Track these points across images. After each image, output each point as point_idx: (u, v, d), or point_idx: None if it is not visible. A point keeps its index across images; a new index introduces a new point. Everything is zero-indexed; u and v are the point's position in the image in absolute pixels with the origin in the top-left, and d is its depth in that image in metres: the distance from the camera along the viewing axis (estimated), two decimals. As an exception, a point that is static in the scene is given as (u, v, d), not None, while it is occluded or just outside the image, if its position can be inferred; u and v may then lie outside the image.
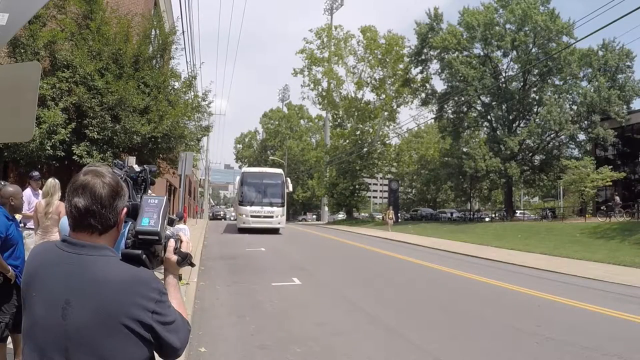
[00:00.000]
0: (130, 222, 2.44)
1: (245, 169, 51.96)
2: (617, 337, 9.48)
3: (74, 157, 13.79)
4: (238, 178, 46.24)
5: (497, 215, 64.14)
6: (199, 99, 21.43)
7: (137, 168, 3.94)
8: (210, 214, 66.23)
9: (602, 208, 43.40)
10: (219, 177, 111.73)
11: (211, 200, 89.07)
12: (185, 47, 44.20)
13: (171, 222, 2.71)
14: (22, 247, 6.21)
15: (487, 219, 61.32)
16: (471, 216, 64.39)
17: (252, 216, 38.92)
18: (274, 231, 40.04)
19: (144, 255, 2.31)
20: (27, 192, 9.74)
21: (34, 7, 3.89)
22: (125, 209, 2.34)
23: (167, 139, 16.90)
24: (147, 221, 2.39)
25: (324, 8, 64.91)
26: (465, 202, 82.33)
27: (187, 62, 30.63)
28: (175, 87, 19.24)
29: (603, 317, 11.25)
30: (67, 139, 13.67)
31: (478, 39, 54.49)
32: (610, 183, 42.86)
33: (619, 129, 48.77)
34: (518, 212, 66.67)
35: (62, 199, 8.89)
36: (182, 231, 12.31)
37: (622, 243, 26.96)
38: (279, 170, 45.01)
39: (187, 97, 20.16)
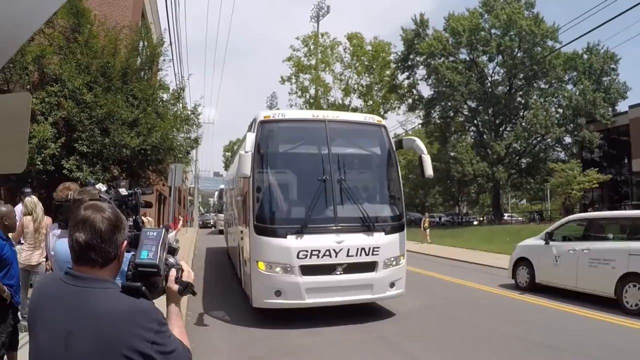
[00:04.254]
0: (132, 253, 2.49)
1: (269, 113, 11.72)
2: None
3: (64, 171, 13.75)
4: (247, 141, 10.69)
5: (485, 218, 64.43)
6: (188, 112, 21.37)
7: (124, 192, 4.08)
8: (200, 222, 65.80)
9: (589, 210, 43.70)
10: (208, 185, 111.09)
11: (201, 208, 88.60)
12: (173, 59, 39.70)
13: (172, 252, 2.73)
14: (17, 267, 6.16)
15: (475, 223, 61.63)
16: (459, 220, 64.59)
17: (304, 271, 10.26)
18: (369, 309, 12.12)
19: (143, 287, 2.31)
20: (19, 207, 9.74)
21: (28, 31, 3.88)
22: (125, 242, 2.42)
23: (157, 151, 16.82)
24: (146, 254, 2.43)
25: (310, 15, 64.76)
26: (453, 206, 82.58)
27: (175, 73, 28.28)
28: (164, 99, 19.18)
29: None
30: (56, 153, 13.63)
31: (464, 45, 54.91)
32: (597, 185, 43.13)
33: (604, 131, 49.16)
34: (506, 215, 67.09)
35: (47, 213, 9.40)
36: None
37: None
38: (372, 117, 12.55)
39: (175, 109, 20.09)
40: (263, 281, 10.30)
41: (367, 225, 10.62)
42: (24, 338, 6.09)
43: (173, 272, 2.56)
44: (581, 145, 51.43)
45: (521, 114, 55.88)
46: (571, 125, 50.94)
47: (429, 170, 11.38)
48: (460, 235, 42.07)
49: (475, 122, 58.29)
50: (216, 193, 51.61)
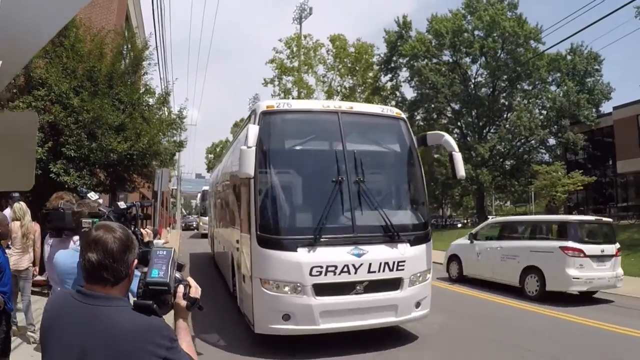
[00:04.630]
0: (140, 272, 2.59)
1: (272, 103, 10.12)
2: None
3: (51, 175, 13.59)
4: (249, 134, 8.56)
5: (469, 221, 64.66)
6: (174, 116, 21.28)
7: (122, 205, 4.24)
8: (183, 224, 65.68)
9: (573, 213, 43.95)
10: (190, 187, 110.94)
11: (183, 210, 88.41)
12: (158, 62, 38.44)
13: (180, 268, 2.80)
14: (9, 273, 6.26)
15: (459, 225, 61.82)
16: (443, 222, 64.83)
17: (318, 291, 8.71)
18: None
19: (155, 305, 2.39)
20: (8, 212, 9.72)
21: (29, 54, 3.87)
22: (135, 261, 2.49)
23: (143, 156, 16.77)
24: (157, 273, 2.54)
25: (293, 17, 64.48)
26: (436, 209, 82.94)
27: (160, 78, 28.20)
28: (150, 103, 19.07)
29: None
30: (44, 158, 13.43)
31: (447, 46, 54.81)
32: (582, 187, 43.33)
33: (588, 133, 49.27)
34: (490, 217, 67.37)
35: (34, 219, 10.07)
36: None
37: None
38: (390, 110, 10.89)
39: (160, 113, 20.00)
40: (268, 303, 8.70)
41: (390, 235, 9.09)
42: (14, 342, 6.09)
43: (181, 289, 2.66)
44: (565, 147, 51.58)
45: (505, 115, 56.00)
46: (555, 127, 51.17)
47: (461, 171, 9.94)
48: (439, 237, 42.24)
49: (459, 124, 58.32)
50: (199, 195, 51.00)
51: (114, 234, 2.40)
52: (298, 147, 9.86)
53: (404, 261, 9.04)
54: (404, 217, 9.96)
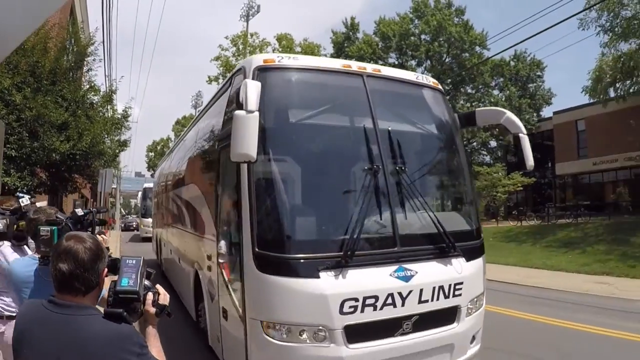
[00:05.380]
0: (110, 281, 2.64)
1: (271, 56, 6.50)
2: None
3: (-11, 177, 13.02)
4: (249, 93, 5.23)
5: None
6: (119, 115, 20.77)
7: (80, 212, 4.34)
8: (123, 225, 64.29)
9: (513, 212, 45.03)
10: (130, 186, 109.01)
11: (122, 210, 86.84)
12: (104, 58, 36.42)
13: (148, 276, 2.83)
14: None
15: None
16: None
17: (352, 336, 5.56)
18: None
19: (125, 313, 2.45)
20: None
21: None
22: (105, 269, 2.59)
23: (85, 156, 16.29)
24: (127, 281, 2.58)
25: (240, 14, 63.74)
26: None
27: (105, 75, 26.75)
28: (95, 101, 18.51)
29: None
30: (-18, 157, 12.90)
31: (393, 49, 55.36)
32: (521, 188, 44.38)
33: (529, 136, 49.40)
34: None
35: None
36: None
37: (533, 246, 28.50)
38: (426, 78, 7.80)
39: (104, 111, 19.50)
40: (273, 357, 5.67)
41: (442, 246, 6.32)
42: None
43: (150, 296, 2.74)
44: (506, 149, 52.77)
45: (448, 118, 56.89)
46: (496, 129, 52.19)
47: (530, 160, 7.37)
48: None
49: (404, 125, 58.99)
50: (140, 193, 47.16)
51: (85, 244, 2.46)
52: (310, 122, 6.54)
53: (461, 283, 6.36)
54: (455, 221, 7.14)
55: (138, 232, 44.75)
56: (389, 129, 6.52)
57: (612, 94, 33.83)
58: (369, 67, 7.16)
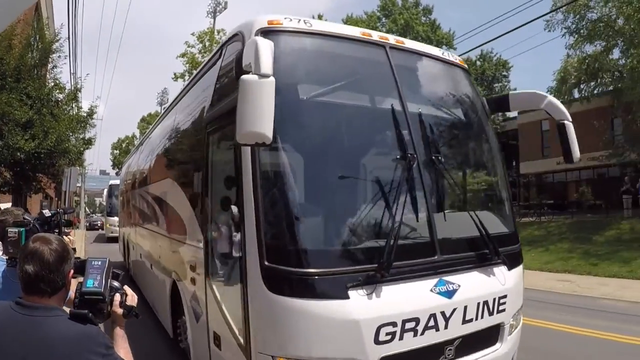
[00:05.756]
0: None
1: (276, 17, 5.04)
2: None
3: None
4: (261, 54, 3.95)
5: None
6: (84, 113, 20.54)
7: (47, 213, 4.34)
8: (87, 224, 63.44)
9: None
10: (94, 184, 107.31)
11: (86, 209, 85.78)
12: (69, 55, 33.68)
13: (116, 277, 2.86)
14: None
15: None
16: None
17: None
18: None
19: (90, 314, 2.46)
20: None
21: None
22: (72, 271, 2.58)
23: (50, 155, 16.09)
24: (92, 282, 2.61)
25: (207, 11, 63.19)
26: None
27: (70, 72, 25.95)
28: (60, 99, 18.26)
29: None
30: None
31: (360, 47, 55.38)
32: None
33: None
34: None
35: None
36: None
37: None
38: (451, 55, 6.67)
39: (69, 109, 19.26)
40: None
41: (485, 253, 5.28)
42: None
43: (117, 297, 2.76)
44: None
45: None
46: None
47: (576, 150, 6.11)
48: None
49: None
50: (105, 190, 43.87)
51: (50, 246, 2.46)
52: (328, 100, 5.13)
53: (505, 296, 5.38)
54: (493, 222, 5.86)
55: (103, 232, 41.99)
56: (420, 111, 5.41)
57: (576, 95, 34.32)
58: (391, 38, 5.89)
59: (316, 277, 4.35)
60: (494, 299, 5.21)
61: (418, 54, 6.06)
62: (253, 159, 4.57)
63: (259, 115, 3.84)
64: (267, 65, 3.94)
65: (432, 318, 4.62)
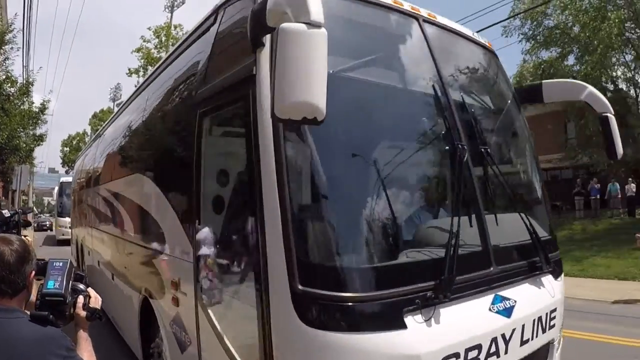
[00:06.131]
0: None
1: None
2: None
3: None
4: (313, 10, 2.71)
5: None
6: (36, 109, 19.96)
7: (6, 214, 4.49)
8: (36, 225, 61.86)
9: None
10: (43, 183, 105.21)
11: (34, 209, 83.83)
12: (22, 47, 32.62)
13: (80, 279, 2.83)
14: None
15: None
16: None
17: None
18: None
19: (51, 316, 2.42)
20: None
21: None
22: (33, 272, 2.53)
23: (0, 152, 15.60)
24: (53, 284, 2.57)
25: (165, 5, 62.46)
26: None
27: (23, 65, 24.90)
28: (11, 92, 17.64)
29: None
30: None
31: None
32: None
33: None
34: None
35: None
36: None
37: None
38: (480, 38, 5.61)
39: (20, 103, 18.64)
40: None
41: (535, 261, 4.61)
42: None
43: (81, 299, 2.73)
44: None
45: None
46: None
47: (619, 145, 5.44)
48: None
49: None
50: (56, 189, 40.64)
51: (11, 247, 2.43)
52: (364, 77, 4.12)
53: (555, 310, 4.73)
54: (538, 225, 4.95)
55: (53, 233, 39.49)
56: (462, 97, 4.62)
57: (532, 99, 34.93)
58: (422, 10, 4.79)
59: (368, 302, 3.32)
60: (547, 314, 4.54)
61: (452, 32, 5.19)
62: (277, 145, 3.40)
63: (311, 79, 2.73)
64: (317, 10, 2.81)
65: (493, 343, 3.84)
